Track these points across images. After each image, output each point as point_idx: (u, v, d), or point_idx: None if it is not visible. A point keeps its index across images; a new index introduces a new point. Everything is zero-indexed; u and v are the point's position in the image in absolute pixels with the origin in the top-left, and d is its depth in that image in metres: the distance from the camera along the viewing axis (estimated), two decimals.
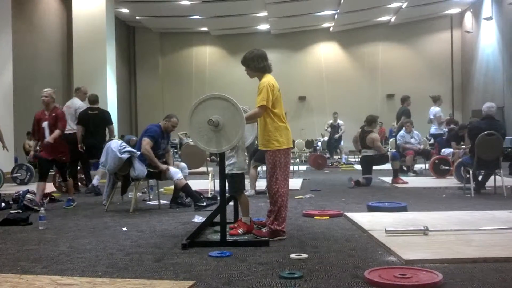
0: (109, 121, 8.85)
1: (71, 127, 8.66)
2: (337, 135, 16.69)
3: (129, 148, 6.54)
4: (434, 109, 11.92)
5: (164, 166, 6.59)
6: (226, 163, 4.62)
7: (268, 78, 4.55)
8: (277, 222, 4.49)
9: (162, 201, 6.97)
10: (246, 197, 4.86)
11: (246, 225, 4.68)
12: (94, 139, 8.48)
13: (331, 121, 16.93)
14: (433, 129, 12.07)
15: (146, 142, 6.54)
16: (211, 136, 4.31)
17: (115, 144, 6.50)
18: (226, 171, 4.60)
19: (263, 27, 23.82)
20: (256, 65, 4.58)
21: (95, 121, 8.64)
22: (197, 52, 25.22)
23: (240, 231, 4.65)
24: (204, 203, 6.44)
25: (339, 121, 16.78)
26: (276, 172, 4.50)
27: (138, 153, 6.54)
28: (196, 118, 4.33)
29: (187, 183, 6.62)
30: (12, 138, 12.80)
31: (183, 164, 7.22)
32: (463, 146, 10.03)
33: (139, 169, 6.45)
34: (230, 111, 4.29)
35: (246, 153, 4.89)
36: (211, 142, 4.34)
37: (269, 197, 4.60)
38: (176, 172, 6.62)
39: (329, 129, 16.92)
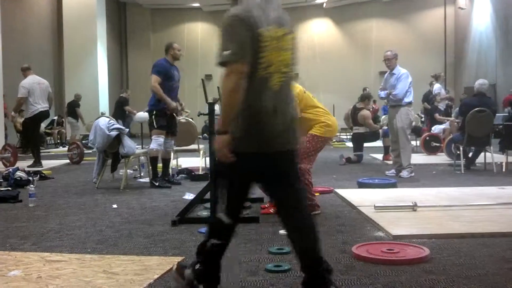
0: (124, 103, 12.62)
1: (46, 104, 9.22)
2: None
3: (118, 125, 6.48)
4: (436, 86, 12.22)
5: (173, 104, 6.45)
6: None
7: None
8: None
9: None
10: None
11: None
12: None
13: None
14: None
15: (154, 79, 6.36)
16: None
17: (103, 122, 6.44)
18: None
19: None
20: None
21: (116, 104, 12.39)
22: (188, 29, 24.94)
23: (272, 210, 4.67)
24: (157, 183, 6.43)
25: None
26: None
27: (127, 130, 6.50)
28: None
29: (156, 157, 6.55)
30: (2, 115, 12.67)
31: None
32: (449, 118, 10.23)
33: (128, 146, 6.41)
34: None
35: None
36: None
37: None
38: (153, 141, 6.52)
39: None
